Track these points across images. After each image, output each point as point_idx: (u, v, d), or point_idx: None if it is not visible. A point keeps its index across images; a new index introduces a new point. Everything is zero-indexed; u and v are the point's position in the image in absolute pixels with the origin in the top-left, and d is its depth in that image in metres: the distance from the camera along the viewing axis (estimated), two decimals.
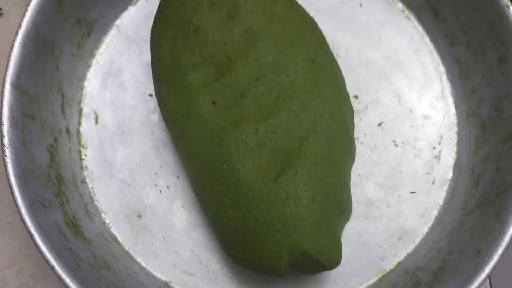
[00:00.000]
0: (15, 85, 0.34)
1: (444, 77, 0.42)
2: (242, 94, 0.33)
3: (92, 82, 0.41)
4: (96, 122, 0.41)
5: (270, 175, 0.32)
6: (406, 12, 0.43)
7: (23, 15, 0.35)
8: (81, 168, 0.40)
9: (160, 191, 0.40)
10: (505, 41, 0.37)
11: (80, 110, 0.41)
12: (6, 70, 0.34)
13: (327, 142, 0.33)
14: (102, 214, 0.39)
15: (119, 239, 0.39)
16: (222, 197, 0.33)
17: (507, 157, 0.36)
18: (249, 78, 0.33)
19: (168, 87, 0.35)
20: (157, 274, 0.38)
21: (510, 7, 0.36)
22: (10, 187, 0.33)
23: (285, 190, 0.32)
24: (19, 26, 0.35)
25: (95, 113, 0.41)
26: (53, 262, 0.32)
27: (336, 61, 0.37)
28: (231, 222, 0.33)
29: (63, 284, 0.32)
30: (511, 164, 0.35)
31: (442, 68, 0.42)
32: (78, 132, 0.40)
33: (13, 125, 0.34)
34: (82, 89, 0.41)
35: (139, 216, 0.39)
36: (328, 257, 0.32)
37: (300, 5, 0.37)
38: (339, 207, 0.33)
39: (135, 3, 0.43)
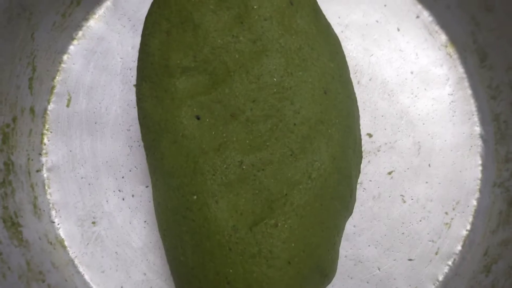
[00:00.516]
0: None
1: (476, 133, 0.35)
2: (233, 114, 0.28)
3: (73, 57, 0.36)
4: (68, 105, 0.35)
5: (245, 221, 0.27)
6: (449, 48, 0.36)
7: None
8: (40, 154, 0.34)
9: (123, 199, 0.34)
10: None
11: (52, 88, 0.35)
12: None
13: (321, 193, 0.27)
14: (53, 212, 0.34)
15: (66, 243, 0.34)
16: (184, 233, 0.27)
17: None
18: (246, 98, 0.28)
19: (150, 86, 0.29)
20: None
21: None
22: None
23: (258, 243, 0.26)
24: None
25: (68, 94, 0.35)
26: None
27: (354, 94, 0.31)
28: (188, 264, 0.27)
29: None
30: None
31: (476, 122, 0.36)
32: (45, 112, 0.35)
33: None
34: (59, 63, 0.35)
35: (94, 222, 0.34)
36: None
37: (326, 21, 0.31)
38: (320, 273, 0.28)
39: None
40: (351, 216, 0.34)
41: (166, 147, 0.28)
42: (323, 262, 0.28)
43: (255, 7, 0.28)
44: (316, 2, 0.31)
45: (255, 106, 0.28)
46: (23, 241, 0.31)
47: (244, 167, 0.27)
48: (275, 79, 0.28)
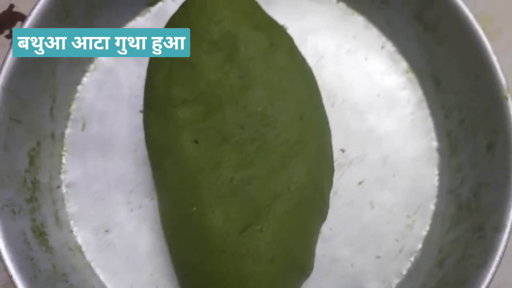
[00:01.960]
0: (6, 89, 0.34)
1: (434, 147, 0.41)
2: (225, 138, 0.33)
3: (86, 87, 0.41)
4: (83, 129, 0.41)
5: (236, 227, 0.32)
6: (410, 74, 0.43)
7: (25, 21, 0.35)
8: (59, 173, 0.40)
9: (132, 210, 0.40)
10: (497, 130, 0.36)
11: (68, 114, 0.41)
12: None
13: (299, 203, 0.33)
14: (72, 222, 0.39)
15: (83, 249, 0.39)
16: (185, 239, 0.33)
17: (474, 247, 0.36)
18: (235, 124, 0.33)
19: (155, 114, 0.35)
20: None
21: (509, 99, 0.36)
22: None
23: (246, 245, 0.32)
24: None
25: (83, 119, 0.41)
26: (12, 271, 0.33)
27: (326, 117, 0.37)
28: (189, 264, 0.33)
29: None
30: (477, 256, 0.35)
31: (433, 138, 0.42)
32: (63, 136, 0.40)
33: None
34: (75, 93, 0.41)
35: (107, 231, 0.39)
36: None
37: (301, 56, 0.37)
38: (299, 268, 0.34)
39: (144, 14, 0.43)
40: (328, 220, 0.40)
41: (169, 166, 0.34)
42: (301, 260, 0.34)
43: (242, 49, 0.34)
44: (293, 41, 0.37)
45: (243, 131, 0.33)
46: (49, 247, 0.37)
47: (234, 182, 0.33)
48: (259, 108, 0.33)
